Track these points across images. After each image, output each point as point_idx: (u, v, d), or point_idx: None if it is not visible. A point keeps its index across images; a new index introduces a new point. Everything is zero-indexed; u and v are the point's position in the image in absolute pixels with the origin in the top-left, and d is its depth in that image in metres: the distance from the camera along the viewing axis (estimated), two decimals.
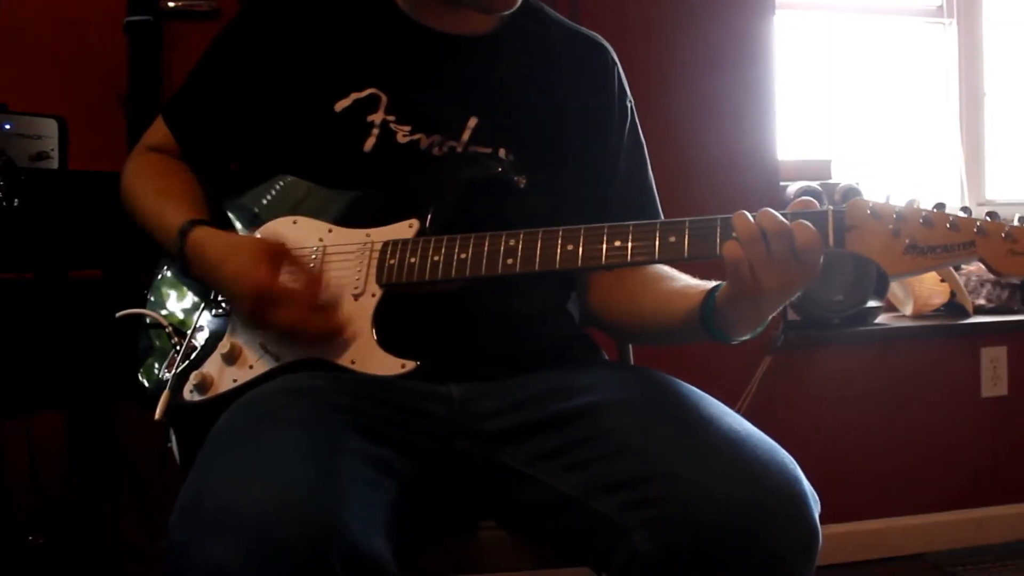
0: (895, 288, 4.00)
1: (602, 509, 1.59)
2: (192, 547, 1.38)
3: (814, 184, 3.71)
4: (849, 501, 3.87)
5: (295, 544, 1.35)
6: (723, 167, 3.68)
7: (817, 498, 1.59)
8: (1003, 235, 1.51)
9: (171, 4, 3.14)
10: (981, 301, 4.11)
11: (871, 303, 3.81)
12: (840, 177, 3.95)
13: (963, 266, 4.06)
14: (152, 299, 2.02)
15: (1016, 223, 1.52)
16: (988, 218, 1.52)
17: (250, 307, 1.74)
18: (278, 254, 1.78)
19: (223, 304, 1.91)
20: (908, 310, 4.04)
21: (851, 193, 3.67)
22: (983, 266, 1.53)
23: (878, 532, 3.92)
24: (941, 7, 4.51)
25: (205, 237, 1.85)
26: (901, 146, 4.57)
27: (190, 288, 1.99)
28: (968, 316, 4.02)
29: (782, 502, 1.52)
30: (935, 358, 4.01)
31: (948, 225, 1.52)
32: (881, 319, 3.98)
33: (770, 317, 1.69)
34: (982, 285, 4.13)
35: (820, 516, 1.55)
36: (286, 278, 1.75)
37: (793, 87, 4.29)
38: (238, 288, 1.76)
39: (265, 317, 1.73)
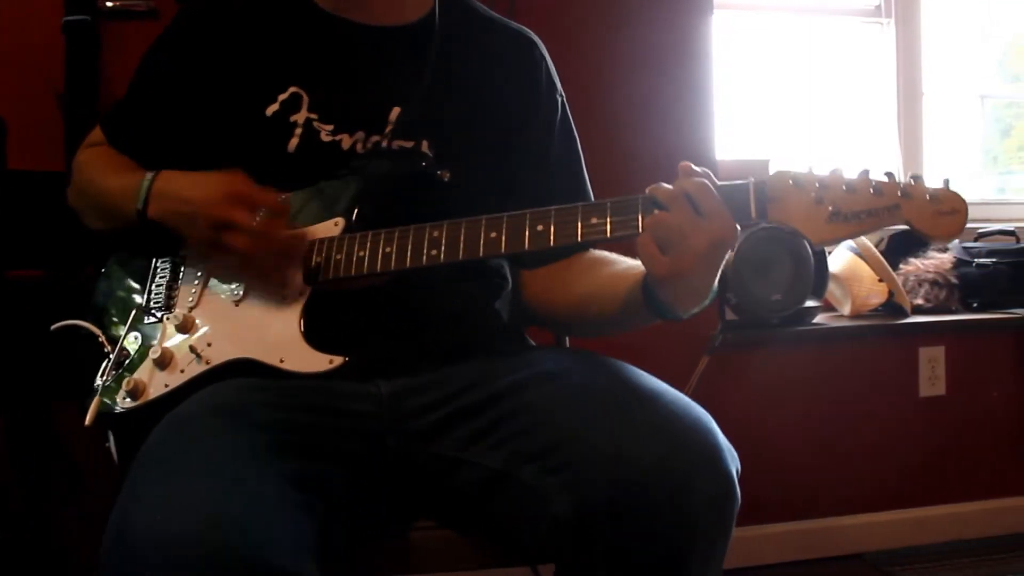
0: (833, 288, 4.02)
1: (525, 478, 1.61)
2: None
3: None
4: (787, 501, 3.88)
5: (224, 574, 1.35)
6: (661, 167, 3.61)
7: (735, 454, 1.59)
8: (928, 197, 1.52)
9: (109, 4, 3.12)
10: (919, 301, 4.12)
11: (809, 303, 3.82)
12: None
13: (902, 266, 4.11)
14: (88, 306, 2.02)
15: (941, 185, 1.53)
16: (912, 181, 1.53)
17: (213, 221, 1.77)
18: (244, 182, 1.82)
19: (154, 311, 1.93)
20: (846, 310, 4.06)
21: None
22: (911, 230, 1.53)
23: (816, 532, 3.93)
24: (879, 7, 4.54)
25: (175, 173, 1.90)
26: (839, 146, 4.60)
27: (127, 293, 2.00)
28: (906, 316, 4.03)
29: (695, 457, 1.53)
30: (873, 358, 4.04)
31: (872, 190, 1.52)
32: (819, 319, 4.00)
33: (714, 285, 1.63)
34: (920, 285, 4.15)
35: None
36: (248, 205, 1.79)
37: (731, 87, 4.32)
38: (205, 203, 1.79)
39: (223, 237, 1.77)
